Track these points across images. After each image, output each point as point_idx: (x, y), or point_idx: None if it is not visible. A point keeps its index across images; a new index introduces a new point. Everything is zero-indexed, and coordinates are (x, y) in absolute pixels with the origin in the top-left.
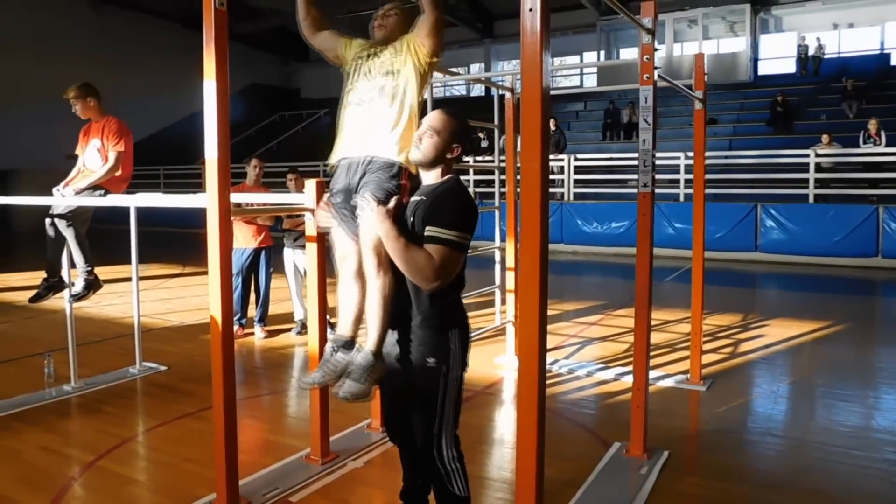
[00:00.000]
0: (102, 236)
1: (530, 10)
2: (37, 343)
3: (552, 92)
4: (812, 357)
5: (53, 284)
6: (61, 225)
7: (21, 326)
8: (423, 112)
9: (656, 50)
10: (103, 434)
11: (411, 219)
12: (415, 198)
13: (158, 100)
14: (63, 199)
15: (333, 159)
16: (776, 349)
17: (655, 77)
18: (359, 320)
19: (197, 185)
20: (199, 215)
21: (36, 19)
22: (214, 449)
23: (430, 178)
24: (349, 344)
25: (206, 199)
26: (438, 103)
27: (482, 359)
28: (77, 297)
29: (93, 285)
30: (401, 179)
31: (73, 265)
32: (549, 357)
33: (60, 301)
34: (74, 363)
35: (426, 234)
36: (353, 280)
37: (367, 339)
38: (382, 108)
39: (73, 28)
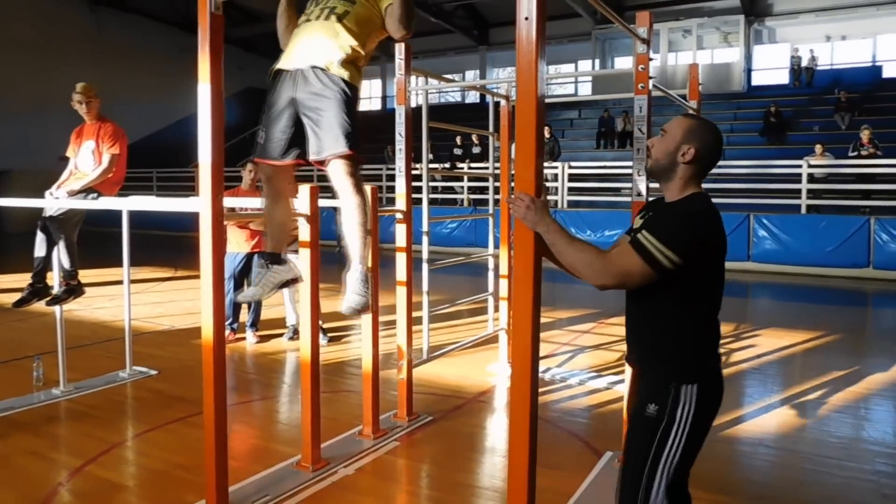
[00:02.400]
0: (95, 239)
1: (526, 18)
2: (27, 346)
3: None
4: (803, 368)
5: (38, 290)
6: (53, 227)
7: (11, 329)
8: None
9: (651, 59)
10: (92, 439)
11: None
12: (642, 214)
13: (154, 103)
14: (56, 201)
15: (272, 70)
16: (767, 359)
17: (650, 87)
18: (284, 235)
19: (190, 189)
20: (191, 219)
21: (33, 20)
22: (204, 455)
23: (669, 193)
24: (277, 258)
25: (199, 203)
26: (433, 109)
27: (475, 366)
28: (56, 301)
29: (75, 291)
30: (348, 88)
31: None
32: (542, 365)
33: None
34: (64, 367)
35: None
36: (279, 198)
37: (353, 255)
38: (330, 24)
39: (69, 29)
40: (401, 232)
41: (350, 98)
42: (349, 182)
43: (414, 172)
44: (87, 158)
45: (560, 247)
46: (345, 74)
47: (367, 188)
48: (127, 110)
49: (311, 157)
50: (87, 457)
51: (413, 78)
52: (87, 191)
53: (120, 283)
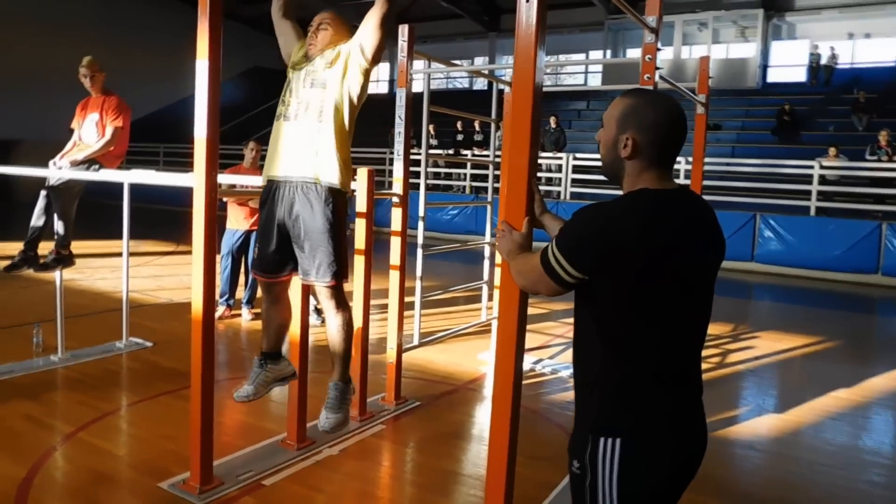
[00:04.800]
0: (98, 211)
1: (527, 0)
2: (30, 312)
3: (555, 88)
4: (801, 372)
5: (30, 258)
6: (53, 197)
7: (14, 296)
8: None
9: (660, 50)
10: (85, 406)
11: None
12: None
13: (163, 78)
14: (58, 171)
15: (264, 177)
16: (765, 362)
17: (656, 78)
18: (282, 336)
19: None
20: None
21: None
22: (190, 428)
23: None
24: (277, 356)
25: (193, 179)
26: (439, 95)
27: (466, 354)
28: (44, 268)
29: (65, 260)
30: (335, 206)
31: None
32: (533, 356)
33: (56, 273)
34: (62, 335)
35: None
36: (277, 302)
37: (335, 369)
38: (310, 126)
39: (78, 4)
40: (396, 216)
41: (336, 216)
42: (332, 304)
43: (414, 157)
44: (90, 131)
45: (510, 265)
46: (335, 182)
47: (364, 171)
48: (136, 85)
49: (301, 277)
50: (79, 423)
51: (420, 62)
52: (89, 162)
53: (136, 254)
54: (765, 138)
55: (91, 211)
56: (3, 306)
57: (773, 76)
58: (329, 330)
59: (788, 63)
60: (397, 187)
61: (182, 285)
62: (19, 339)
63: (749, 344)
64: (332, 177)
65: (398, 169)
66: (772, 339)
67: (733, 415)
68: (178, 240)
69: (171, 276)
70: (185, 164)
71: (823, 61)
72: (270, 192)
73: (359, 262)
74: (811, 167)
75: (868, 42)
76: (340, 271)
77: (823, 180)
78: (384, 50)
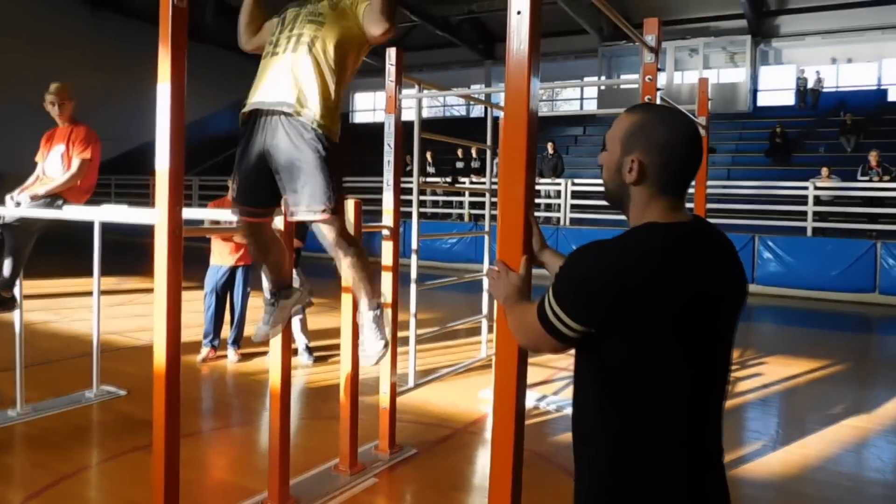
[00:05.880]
0: (76, 245)
1: (518, 12)
2: None
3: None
4: (812, 399)
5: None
6: (7, 234)
7: None
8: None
9: (660, 70)
10: (41, 469)
11: None
12: None
13: (150, 107)
14: (16, 208)
15: (245, 109)
16: (774, 389)
17: (658, 100)
18: (282, 269)
19: (188, 197)
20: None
21: (30, 18)
22: (153, 492)
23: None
24: (286, 288)
25: (155, 215)
26: (435, 123)
27: (466, 393)
28: None
29: (5, 304)
30: (324, 139)
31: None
32: (536, 392)
33: (29, 314)
34: (22, 385)
35: None
36: (266, 244)
37: (361, 300)
38: (298, 57)
39: (66, 30)
40: (387, 249)
41: (325, 148)
42: (338, 241)
43: (407, 186)
44: (55, 163)
45: (507, 315)
46: (317, 119)
47: (351, 203)
48: (124, 113)
49: (287, 215)
50: (31, 489)
51: (412, 89)
52: (52, 197)
53: (106, 293)
54: (758, 160)
55: (67, 245)
56: None
57: (764, 100)
58: (343, 270)
59: (777, 87)
60: (387, 219)
61: None
62: None
63: (756, 370)
64: (314, 113)
65: (388, 200)
66: (779, 364)
67: (746, 451)
68: None
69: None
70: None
71: (810, 85)
72: (249, 122)
73: (345, 300)
74: (806, 188)
75: (850, 67)
76: (338, 203)
77: (818, 201)
78: (390, 34)
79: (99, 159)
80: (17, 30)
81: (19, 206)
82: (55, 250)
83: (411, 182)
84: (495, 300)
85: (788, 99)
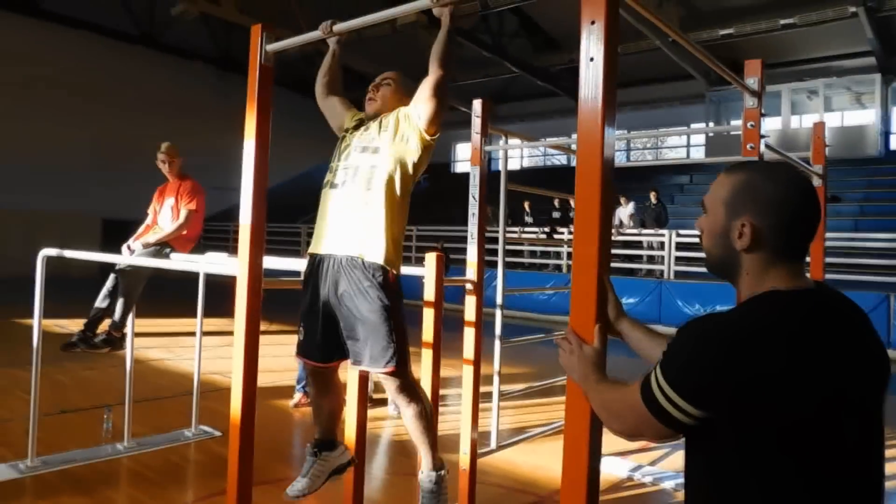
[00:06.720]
0: (197, 287)
1: (591, 59)
2: (115, 393)
3: (656, 163)
4: None
5: (88, 338)
6: (121, 279)
7: (105, 374)
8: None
9: (764, 115)
10: None
11: None
12: None
13: (272, 160)
14: (130, 255)
15: (311, 250)
16: None
17: (762, 147)
18: (336, 421)
19: (297, 244)
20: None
21: (173, 84)
22: None
23: (742, 297)
24: (331, 444)
25: (237, 266)
26: (534, 173)
27: (557, 456)
28: (92, 347)
29: (114, 343)
30: (387, 285)
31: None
32: (630, 462)
33: (146, 351)
34: (129, 421)
35: None
36: (326, 388)
37: (422, 459)
38: (357, 194)
39: (199, 94)
40: (470, 304)
41: (389, 294)
42: (400, 394)
43: (510, 235)
44: (167, 215)
45: (588, 394)
46: (380, 260)
47: (432, 256)
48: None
49: (351, 364)
50: None
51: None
52: (161, 245)
53: (215, 333)
54: (891, 210)
55: (186, 286)
56: (91, 385)
57: None
58: (406, 423)
59: None
60: (471, 272)
61: (266, 368)
62: (94, 423)
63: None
64: (377, 255)
65: (472, 253)
66: None
67: None
68: (272, 318)
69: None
70: (289, 244)
71: None
72: (313, 267)
73: (426, 356)
74: None
75: None
76: (401, 357)
77: None
78: (442, 117)
79: (203, 210)
80: (155, 94)
81: (132, 252)
82: (175, 291)
83: (515, 232)
84: (568, 376)
85: None
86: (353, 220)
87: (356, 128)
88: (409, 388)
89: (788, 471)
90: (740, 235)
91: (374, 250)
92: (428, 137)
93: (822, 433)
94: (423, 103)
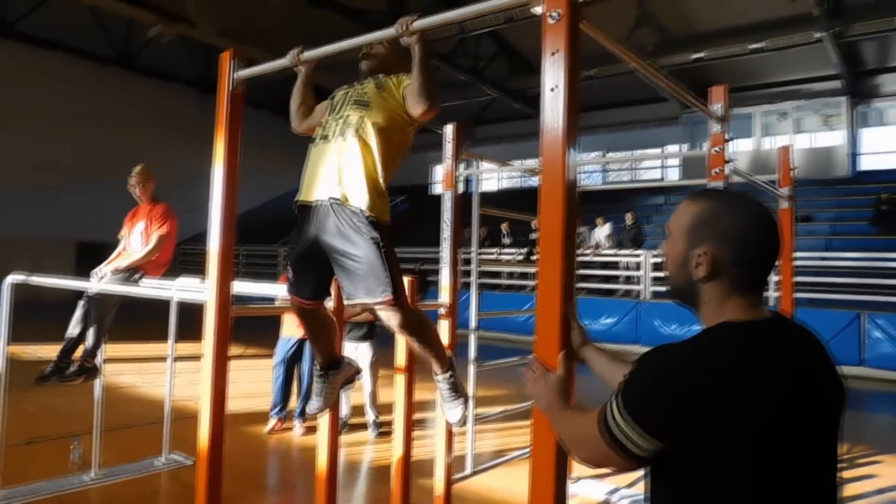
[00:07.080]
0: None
1: (552, 89)
2: (84, 421)
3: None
4: None
5: (62, 368)
6: (92, 306)
7: (74, 401)
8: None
9: (729, 140)
10: None
11: None
12: None
13: (249, 181)
14: (99, 282)
15: (300, 198)
16: (893, 495)
17: (727, 171)
18: (334, 344)
19: (274, 267)
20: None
21: (152, 106)
22: None
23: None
24: (336, 363)
25: (206, 292)
26: (510, 194)
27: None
28: (65, 379)
29: (88, 372)
30: (376, 224)
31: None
32: (607, 484)
33: (117, 377)
34: (98, 450)
35: None
36: (317, 323)
37: (433, 366)
38: (347, 143)
39: (178, 116)
40: (444, 328)
41: (377, 234)
42: (399, 320)
43: (488, 257)
44: (137, 240)
45: (553, 422)
46: (366, 205)
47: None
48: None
49: (345, 300)
50: None
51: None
52: (132, 270)
53: (191, 358)
54: (862, 229)
55: (160, 311)
56: (59, 413)
57: (866, 164)
58: (409, 344)
59: (881, 150)
60: (444, 296)
61: (240, 393)
62: (62, 452)
63: (870, 471)
64: (361, 201)
65: (444, 276)
66: None
67: None
68: (249, 342)
69: (232, 383)
70: (265, 267)
71: None
72: (301, 213)
73: (399, 380)
74: None
75: None
76: (396, 286)
77: None
78: (432, 115)
79: (175, 234)
80: (133, 116)
81: (102, 279)
82: (147, 315)
83: (481, 255)
84: (533, 403)
85: (894, 163)
86: (338, 169)
87: (345, 89)
88: (407, 308)
89: (750, 498)
90: (697, 265)
91: (360, 197)
92: (415, 120)
93: (780, 462)
94: (414, 105)
